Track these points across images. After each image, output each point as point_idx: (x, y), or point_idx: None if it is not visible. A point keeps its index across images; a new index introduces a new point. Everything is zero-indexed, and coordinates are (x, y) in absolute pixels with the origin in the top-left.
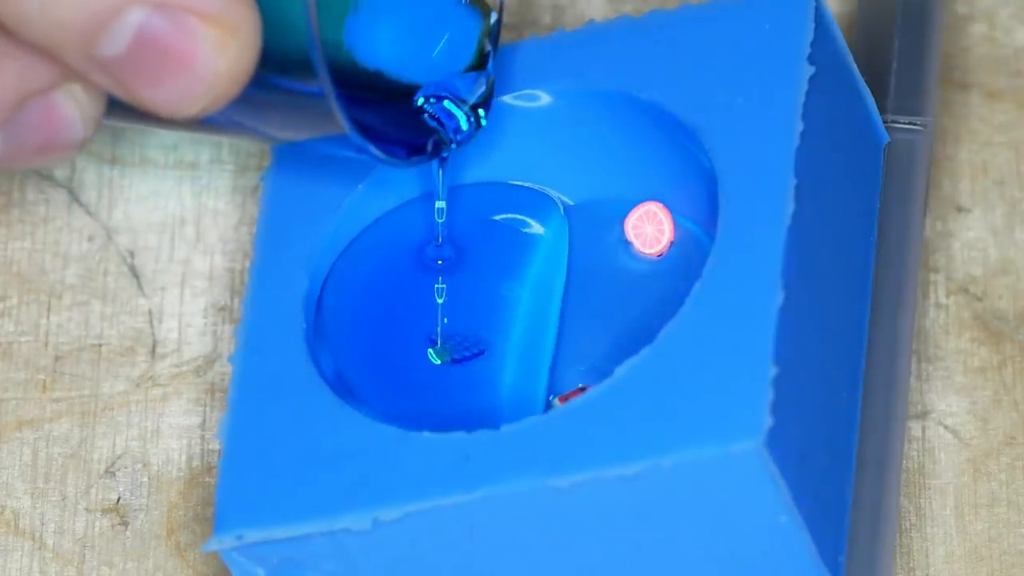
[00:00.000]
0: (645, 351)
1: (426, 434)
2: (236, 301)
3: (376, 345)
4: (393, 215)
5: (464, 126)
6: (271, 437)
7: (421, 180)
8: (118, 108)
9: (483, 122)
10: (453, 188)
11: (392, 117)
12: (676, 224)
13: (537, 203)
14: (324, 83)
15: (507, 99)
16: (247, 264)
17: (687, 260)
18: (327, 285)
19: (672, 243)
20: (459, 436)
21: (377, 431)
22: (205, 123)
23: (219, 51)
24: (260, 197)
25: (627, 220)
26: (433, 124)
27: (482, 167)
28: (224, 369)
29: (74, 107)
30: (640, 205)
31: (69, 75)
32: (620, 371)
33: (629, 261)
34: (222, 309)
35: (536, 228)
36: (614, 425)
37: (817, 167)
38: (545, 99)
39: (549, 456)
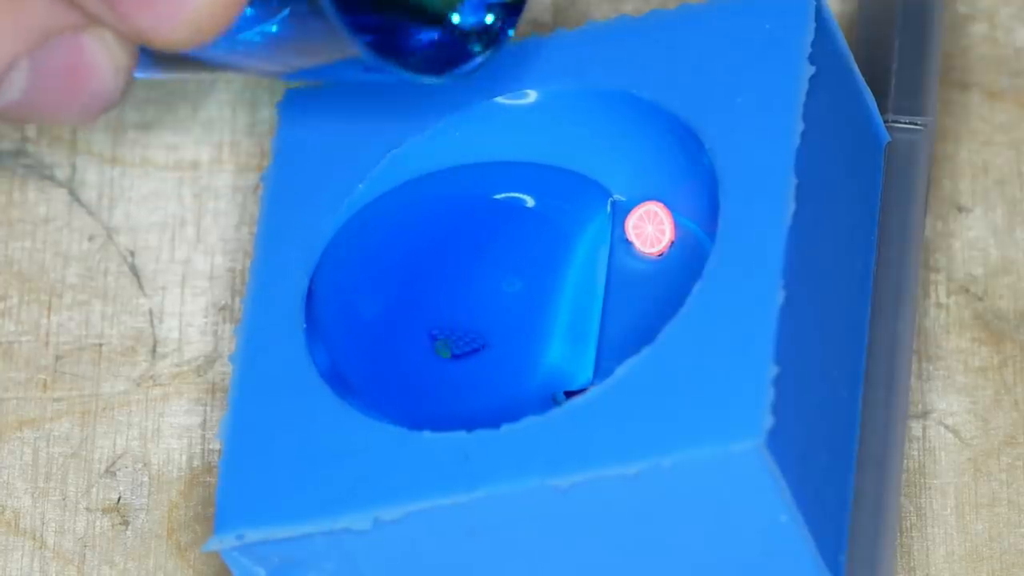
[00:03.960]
0: (645, 351)
1: (426, 433)
2: (237, 301)
3: (374, 338)
4: (387, 197)
5: (489, 19)
6: (272, 437)
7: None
8: (148, 60)
9: (513, 25)
10: (470, 168)
11: (415, 32)
12: (676, 224)
13: (574, 188)
14: None
15: (503, 100)
16: (248, 264)
17: (687, 260)
18: (318, 274)
19: (672, 243)
20: (459, 436)
21: (377, 430)
22: (217, 58)
23: None
24: (260, 196)
25: (628, 220)
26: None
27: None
28: (225, 369)
29: (104, 53)
30: (640, 205)
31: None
32: (621, 371)
33: (629, 261)
34: (223, 309)
35: (565, 210)
36: (614, 425)
37: (817, 167)
38: (542, 98)
39: (549, 456)
